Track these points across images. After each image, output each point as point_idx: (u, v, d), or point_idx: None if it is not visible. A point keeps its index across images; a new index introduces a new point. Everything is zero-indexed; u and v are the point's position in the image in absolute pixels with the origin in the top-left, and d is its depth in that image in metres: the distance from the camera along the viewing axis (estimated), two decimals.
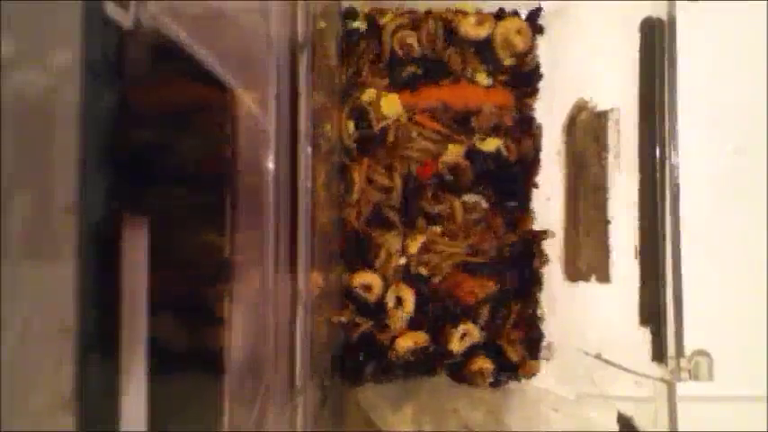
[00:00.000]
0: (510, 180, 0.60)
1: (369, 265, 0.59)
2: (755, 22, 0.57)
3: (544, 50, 0.60)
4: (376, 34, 0.59)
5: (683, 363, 0.40)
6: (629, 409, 0.44)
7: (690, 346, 0.40)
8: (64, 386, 0.15)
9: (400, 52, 0.59)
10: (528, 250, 0.60)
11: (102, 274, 0.16)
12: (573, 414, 0.52)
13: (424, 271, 0.59)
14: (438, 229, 0.59)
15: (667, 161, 0.41)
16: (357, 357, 0.58)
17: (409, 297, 0.58)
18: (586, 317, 0.53)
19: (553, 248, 0.58)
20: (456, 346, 0.58)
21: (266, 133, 0.35)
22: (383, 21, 0.59)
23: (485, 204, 0.60)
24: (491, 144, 0.59)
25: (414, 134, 0.59)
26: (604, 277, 0.50)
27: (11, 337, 0.14)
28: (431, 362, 0.59)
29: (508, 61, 0.60)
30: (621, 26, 0.45)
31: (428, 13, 0.60)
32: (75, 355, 0.15)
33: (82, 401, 0.15)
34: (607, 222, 0.50)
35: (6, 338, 0.14)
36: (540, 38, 0.60)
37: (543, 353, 0.60)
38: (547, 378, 0.58)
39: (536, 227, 0.60)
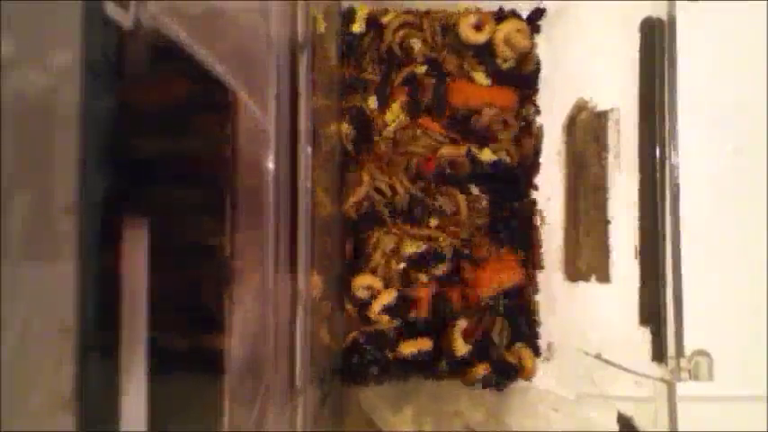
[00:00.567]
0: (510, 181, 0.60)
1: (365, 267, 0.59)
2: (755, 22, 0.57)
3: (544, 50, 0.60)
4: (377, 34, 0.59)
5: (683, 363, 0.40)
6: (629, 409, 0.44)
7: (690, 346, 0.40)
8: (64, 386, 0.15)
9: (401, 52, 0.59)
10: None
11: (102, 274, 0.16)
12: (573, 414, 0.52)
13: (424, 278, 0.59)
14: (435, 222, 0.59)
15: (667, 161, 0.41)
16: (359, 359, 0.58)
17: (388, 297, 0.58)
18: (586, 317, 0.53)
19: (553, 248, 0.58)
20: (460, 347, 0.58)
21: (266, 133, 0.35)
22: (384, 19, 0.59)
23: (485, 203, 0.60)
24: (487, 154, 0.59)
25: (417, 132, 0.59)
26: (604, 277, 0.50)
27: (11, 337, 0.14)
28: (433, 365, 0.59)
29: (507, 64, 0.60)
30: (621, 26, 0.45)
31: (426, 13, 0.60)
32: (75, 355, 0.15)
33: (82, 401, 0.15)
34: (607, 222, 0.50)
35: (6, 338, 0.14)
36: (540, 38, 0.60)
37: (543, 353, 0.60)
38: (547, 378, 0.58)
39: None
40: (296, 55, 0.39)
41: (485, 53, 0.60)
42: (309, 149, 0.41)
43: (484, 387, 0.58)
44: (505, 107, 0.60)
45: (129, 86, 0.18)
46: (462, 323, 0.58)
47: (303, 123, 0.40)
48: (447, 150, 0.59)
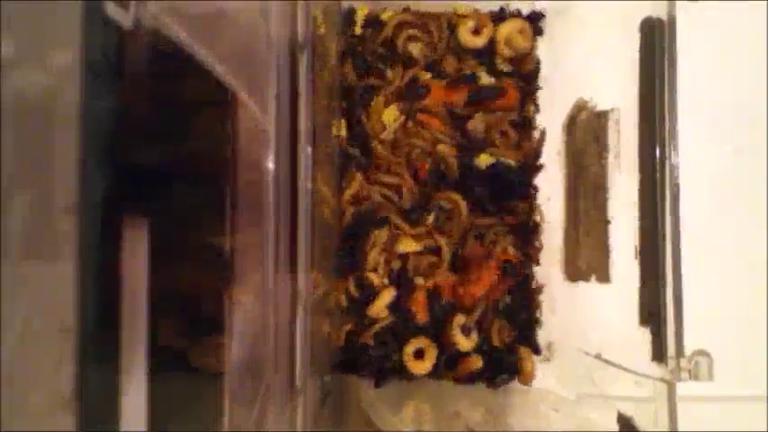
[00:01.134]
0: (509, 182, 0.60)
1: (364, 265, 0.58)
2: (755, 22, 0.57)
3: (544, 50, 0.60)
4: (377, 33, 0.59)
5: (683, 363, 0.40)
6: (629, 409, 0.44)
7: (690, 346, 0.40)
8: (64, 386, 0.15)
9: (402, 51, 0.59)
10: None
11: (102, 274, 0.16)
12: (573, 414, 0.52)
13: (421, 281, 0.59)
14: (432, 220, 0.59)
15: (667, 161, 0.41)
16: (360, 358, 0.58)
17: (387, 296, 0.58)
18: (586, 317, 0.53)
19: (553, 248, 0.58)
20: (462, 342, 0.57)
21: (266, 133, 0.35)
22: (384, 16, 0.59)
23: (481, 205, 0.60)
24: (483, 160, 0.59)
25: (417, 129, 0.59)
26: (604, 277, 0.50)
27: (11, 337, 0.14)
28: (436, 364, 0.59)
29: (507, 66, 0.60)
30: (621, 26, 0.45)
31: (426, 13, 0.60)
32: (75, 355, 0.15)
33: (82, 401, 0.15)
34: (607, 222, 0.50)
35: (6, 338, 0.14)
36: (540, 38, 0.60)
37: (543, 353, 0.60)
38: (547, 378, 0.58)
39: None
40: (296, 55, 0.39)
41: (485, 53, 0.60)
42: (309, 149, 0.41)
43: (476, 381, 0.58)
44: (507, 106, 0.60)
45: (130, 86, 0.18)
46: (460, 318, 0.58)
47: (303, 123, 0.40)
48: (440, 148, 0.59)
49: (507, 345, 0.59)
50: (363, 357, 0.58)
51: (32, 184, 0.15)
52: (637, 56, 0.44)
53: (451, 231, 0.59)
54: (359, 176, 0.59)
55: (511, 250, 0.60)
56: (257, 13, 0.34)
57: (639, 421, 0.43)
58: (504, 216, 0.60)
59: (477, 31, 0.60)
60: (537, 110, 0.61)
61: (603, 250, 0.50)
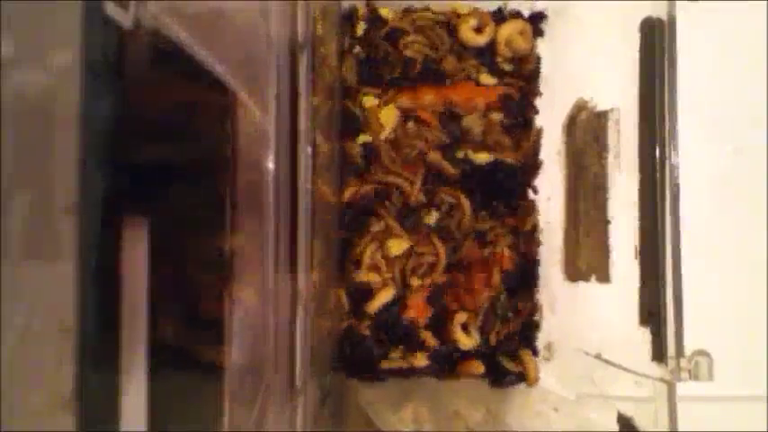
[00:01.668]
0: (510, 183, 0.60)
1: (362, 263, 0.58)
2: (755, 22, 0.57)
3: (544, 50, 0.60)
4: (377, 33, 0.59)
5: (683, 363, 0.40)
6: (629, 409, 0.44)
7: (690, 346, 0.40)
8: (64, 386, 0.15)
9: (403, 50, 0.59)
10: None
11: (102, 274, 0.16)
12: (573, 414, 0.52)
13: (416, 281, 0.59)
14: (434, 220, 0.59)
15: (667, 161, 0.41)
16: (357, 350, 0.58)
17: (386, 295, 0.58)
18: (586, 317, 0.53)
19: (553, 249, 0.58)
20: (464, 339, 0.57)
21: (266, 133, 0.35)
22: (384, 13, 0.59)
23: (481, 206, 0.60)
24: (482, 157, 0.59)
25: (417, 129, 0.59)
26: (604, 277, 0.50)
27: (11, 337, 0.14)
28: (439, 363, 0.59)
29: (508, 65, 0.60)
30: (621, 26, 0.45)
31: (425, 16, 0.60)
32: (75, 355, 0.15)
33: (82, 401, 0.15)
34: (607, 222, 0.50)
35: (6, 338, 0.14)
36: (540, 38, 0.60)
37: (543, 353, 0.59)
38: (547, 378, 0.58)
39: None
40: (296, 55, 0.39)
41: (486, 53, 0.60)
42: (309, 149, 0.41)
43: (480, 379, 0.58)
44: (508, 105, 0.60)
45: (129, 86, 0.18)
46: (461, 316, 0.58)
47: (303, 123, 0.40)
48: (433, 156, 0.59)
49: (508, 348, 0.59)
50: (360, 351, 0.58)
51: (32, 184, 0.15)
52: (637, 56, 0.44)
53: (454, 229, 0.59)
54: (358, 176, 0.59)
55: (509, 252, 0.60)
56: (257, 13, 0.34)
57: (639, 421, 0.43)
58: (504, 217, 0.60)
59: (479, 30, 0.59)
60: (536, 111, 0.61)
61: (603, 250, 0.50)
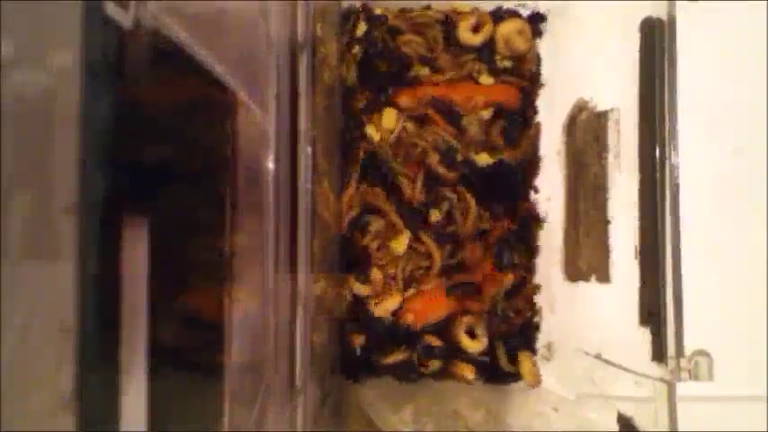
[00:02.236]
0: (508, 183, 0.60)
1: (365, 264, 0.58)
2: (755, 22, 0.57)
3: (544, 50, 0.60)
4: (377, 33, 0.59)
5: (683, 363, 0.40)
6: (629, 409, 0.44)
7: (690, 346, 0.40)
8: (64, 386, 0.15)
9: (404, 49, 0.59)
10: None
11: (102, 274, 0.16)
12: (573, 414, 0.52)
13: (413, 287, 0.58)
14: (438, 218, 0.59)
15: (667, 161, 0.41)
16: (362, 359, 0.58)
17: (392, 302, 0.58)
18: (586, 317, 0.53)
19: (553, 249, 0.58)
20: (468, 343, 0.57)
21: (266, 133, 0.35)
22: (379, 12, 0.59)
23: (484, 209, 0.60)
24: (483, 159, 0.59)
25: (418, 130, 0.59)
26: (604, 277, 0.50)
27: (11, 337, 0.14)
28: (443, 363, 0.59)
29: (508, 63, 0.60)
30: (621, 26, 0.45)
31: (427, 8, 0.60)
32: (76, 355, 0.15)
33: (82, 401, 0.15)
34: (607, 222, 0.50)
35: (6, 338, 0.14)
36: (539, 38, 0.60)
37: (543, 353, 0.59)
38: (547, 378, 0.58)
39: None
40: (296, 55, 0.39)
41: (485, 52, 0.60)
42: (309, 149, 0.41)
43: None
44: (508, 105, 0.60)
45: (130, 86, 0.18)
46: (466, 320, 0.58)
47: (303, 123, 0.40)
48: (431, 160, 0.59)
49: (508, 348, 0.59)
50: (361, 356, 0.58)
51: (32, 184, 0.15)
52: (637, 56, 0.44)
53: (459, 226, 0.59)
54: (358, 176, 0.59)
55: (509, 253, 0.60)
56: (257, 13, 0.34)
57: (639, 421, 0.43)
58: (505, 217, 0.60)
59: (476, 29, 0.59)
60: (536, 111, 0.61)
61: (603, 250, 0.50)
